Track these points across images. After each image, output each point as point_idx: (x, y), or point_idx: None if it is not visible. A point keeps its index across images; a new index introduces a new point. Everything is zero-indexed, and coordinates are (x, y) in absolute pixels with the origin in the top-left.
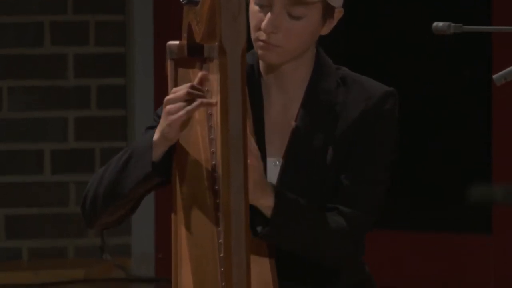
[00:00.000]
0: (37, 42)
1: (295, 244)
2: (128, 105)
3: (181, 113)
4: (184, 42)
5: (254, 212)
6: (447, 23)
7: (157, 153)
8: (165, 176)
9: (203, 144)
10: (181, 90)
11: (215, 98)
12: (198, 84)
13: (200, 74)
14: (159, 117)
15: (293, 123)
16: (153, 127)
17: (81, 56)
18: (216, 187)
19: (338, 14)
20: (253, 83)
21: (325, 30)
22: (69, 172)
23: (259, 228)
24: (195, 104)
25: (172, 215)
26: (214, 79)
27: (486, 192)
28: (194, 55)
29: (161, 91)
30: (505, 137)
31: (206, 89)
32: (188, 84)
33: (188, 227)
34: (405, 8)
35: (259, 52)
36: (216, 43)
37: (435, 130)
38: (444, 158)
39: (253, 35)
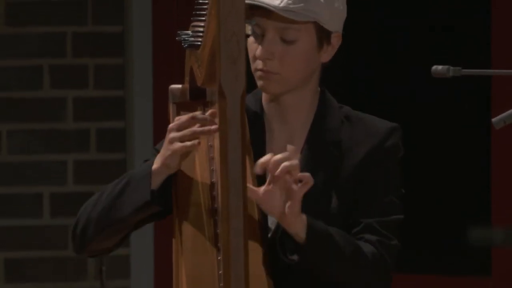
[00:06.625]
0: (36, 85)
1: (327, 269)
2: (127, 148)
3: (184, 143)
4: (186, 85)
5: (286, 239)
6: (446, 67)
7: (156, 182)
8: (163, 206)
9: (204, 184)
10: (185, 117)
11: (217, 141)
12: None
13: (210, 111)
14: (158, 151)
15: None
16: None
17: (80, 99)
18: (218, 230)
19: (336, 39)
20: (255, 121)
21: (325, 57)
22: (68, 215)
23: (293, 256)
24: (198, 130)
25: (173, 258)
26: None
27: (485, 235)
28: (197, 98)
29: (160, 134)
30: (504, 180)
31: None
32: (191, 114)
33: (189, 270)
34: (406, 49)
35: (259, 83)
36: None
37: (433, 171)
38: (443, 201)
39: (252, 67)
